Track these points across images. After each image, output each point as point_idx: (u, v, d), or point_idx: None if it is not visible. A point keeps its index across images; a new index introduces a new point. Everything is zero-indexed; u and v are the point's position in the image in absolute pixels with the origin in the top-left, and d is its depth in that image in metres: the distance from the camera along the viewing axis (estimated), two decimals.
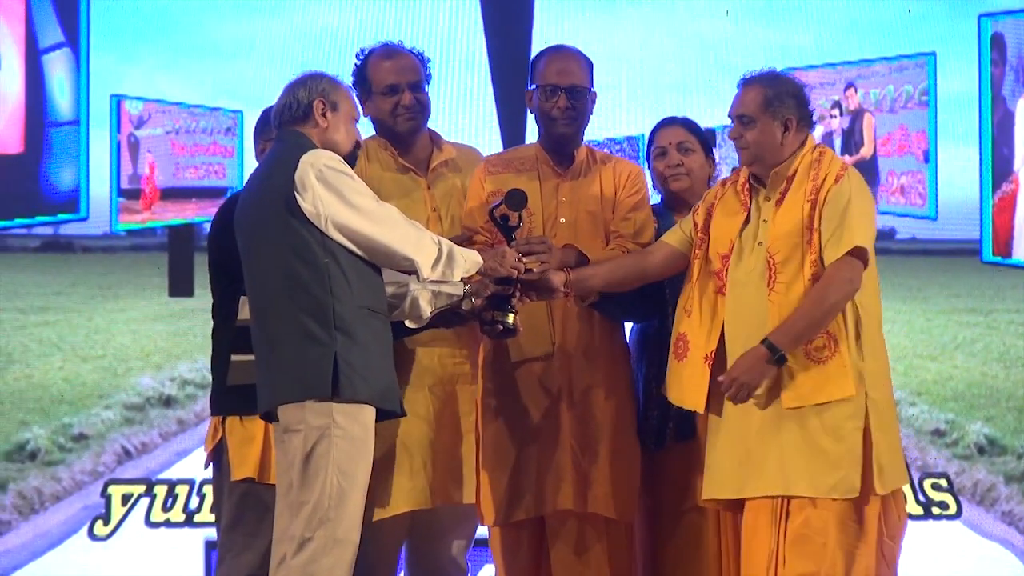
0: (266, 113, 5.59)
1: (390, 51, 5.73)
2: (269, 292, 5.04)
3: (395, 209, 5.14)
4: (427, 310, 5.26)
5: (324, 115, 5.12)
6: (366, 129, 5.69)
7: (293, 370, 4.99)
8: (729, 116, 5.29)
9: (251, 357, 5.22)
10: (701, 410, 5.24)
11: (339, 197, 4.98)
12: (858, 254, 5.09)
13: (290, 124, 5.15)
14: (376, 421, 5.09)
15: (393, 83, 5.67)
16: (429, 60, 5.77)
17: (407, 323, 5.34)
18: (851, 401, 5.09)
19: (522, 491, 5.56)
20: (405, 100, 5.66)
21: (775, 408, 5.14)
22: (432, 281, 5.16)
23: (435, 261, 5.08)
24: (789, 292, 5.13)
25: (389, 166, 5.71)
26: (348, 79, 5.57)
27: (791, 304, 5.11)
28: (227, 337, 5.45)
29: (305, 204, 4.97)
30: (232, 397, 5.44)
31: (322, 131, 5.12)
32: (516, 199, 5.33)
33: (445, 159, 5.78)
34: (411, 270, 5.09)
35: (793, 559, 5.06)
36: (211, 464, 5.63)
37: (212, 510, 7.70)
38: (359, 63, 5.72)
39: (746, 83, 5.26)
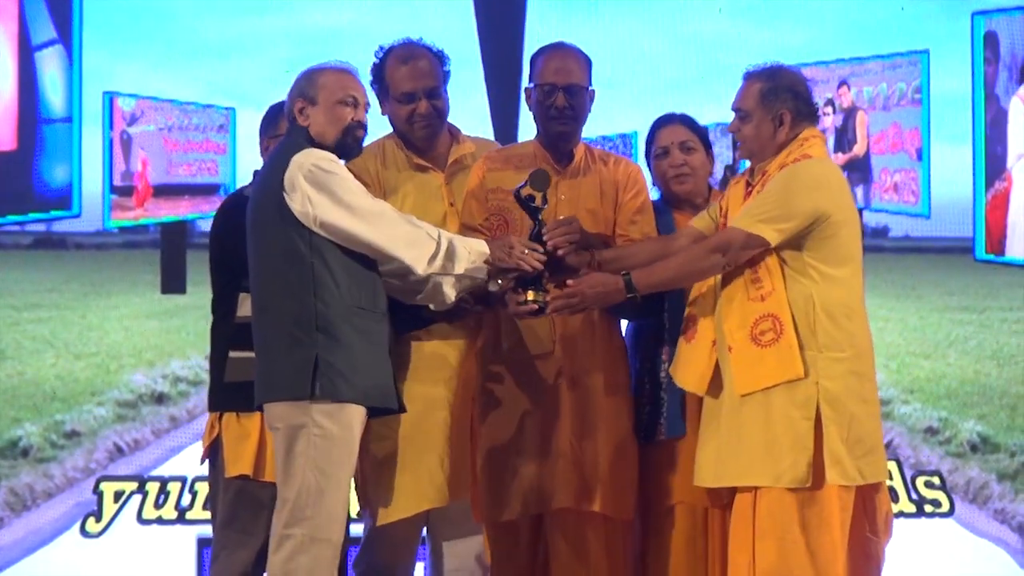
0: (271, 110, 5.59)
1: (407, 54, 5.60)
2: (262, 293, 5.06)
3: (388, 206, 5.12)
4: (451, 294, 5.20)
5: (303, 112, 5.12)
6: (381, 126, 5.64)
7: (275, 370, 5.01)
8: (731, 110, 5.32)
9: (249, 354, 5.21)
10: (702, 392, 5.26)
11: (330, 197, 4.98)
12: (742, 236, 5.10)
13: (289, 125, 5.18)
14: (371, 418, 5.10)
15: (409, 91, 5.59)
16: (448, 59, 5.69)
17: (432, 307, 5.30)
18: (800, 390, 5.09)
19: (521, 489, 5.53)
20: (421, 108, 5.58)
21: (733, 396, 5.17)
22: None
23: (431, 257, 5.06)
24: (728, 281, 5.21)
25: (405, 165, 5.67)
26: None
27: (728, 296, 5.19)
28: (226, 333, 5.44)
29: (294, 205, 4.97)
30: (229, 394, 5.42)
31: (309, 127, 5.12)
32: (540, 179, 5.31)
33: (464, 153, 5.74)
34: (404, 268, 5.08)
35: (760, 552, 5.09)
36: (208, 460, 5.62)
37: (206, 506, 7.72)
38: (378, 61, 5.66)
39: (747, 77, 5.27)
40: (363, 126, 5.18)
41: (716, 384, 5.23)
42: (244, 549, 5.44)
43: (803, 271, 5.11)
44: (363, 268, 5.05)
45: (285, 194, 4.96)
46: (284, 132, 5.28)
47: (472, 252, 5.12)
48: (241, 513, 5.45)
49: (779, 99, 5.18)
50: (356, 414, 4.99)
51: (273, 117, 5.52)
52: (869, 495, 5.21)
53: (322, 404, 4.93)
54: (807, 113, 5.23)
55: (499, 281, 5.23)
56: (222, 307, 5.46)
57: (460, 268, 5.09)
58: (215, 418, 5.51)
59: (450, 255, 5.07)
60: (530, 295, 5.23)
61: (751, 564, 5.10)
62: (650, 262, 5.33)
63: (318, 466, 4.93)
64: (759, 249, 5.09)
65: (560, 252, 5.27)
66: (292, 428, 4.94)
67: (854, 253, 5.21)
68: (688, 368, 5.29)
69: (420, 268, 5.04)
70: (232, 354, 5.39)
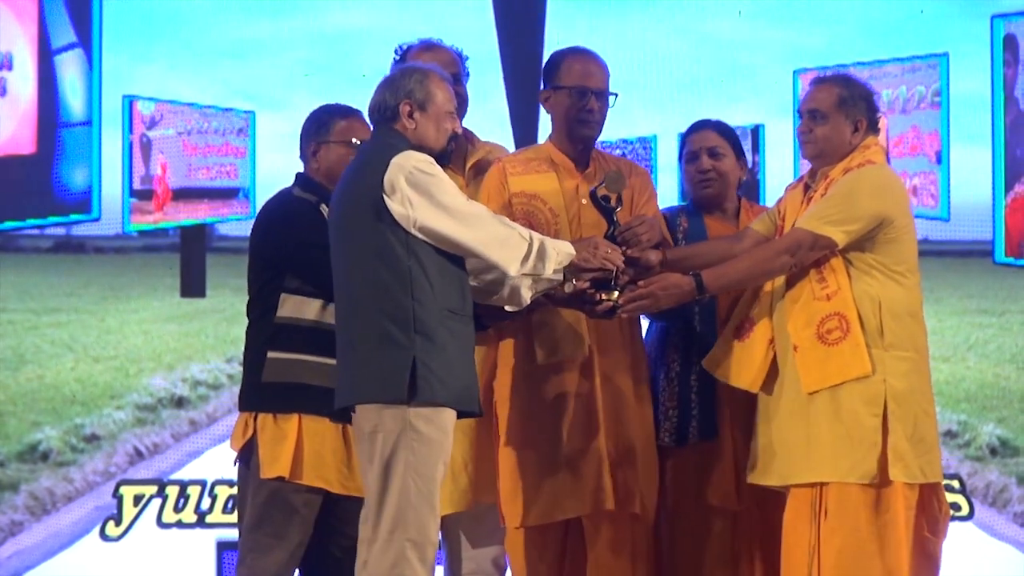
0: (321, 113, 5.54)
1: (428, 46, 5.73)
2: (354, 293, 5.04)
3: (483, 207, 5.13)
4: (527, 296, 5.20)
5: (411, 116, 5.12)
6: None
7: (372, 372, 4.98)
8: (799, 112, 5.42)
9: (289, 355, 5.26)
10: (756, 390, 5.36)
11: (429, 199, 4.97)
12: (810, 237, 5.20)
13: (382, 123, 5.16)
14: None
15: None
16: (467, 58, 5.76)
17: (507, 308, 5.30)
18: (868, 387, 5.19)
19: (561, 492, 5.51)
20: None
21: (798, 394, 5.25)
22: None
23: (523, 258, 5.05)
24: (792, 282, 5.30)
25: None
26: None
27: (793, 296, 5.29)
28: (264, 333, 5.40)
29: (394, 206, 4.97)
30: (266, 394, 5.38)
31: (412, 131, 5.12)
32: (616, 180, 5.37)
33: (481, 157, 5.76)
34: (495, 269, 5.07)
35: (826, 549, 5.16)
36: (239, 462, 5.57)
37: (226, 510, 7.74)
38: (398, 59, 5.71)
39: (820, 80, 5.41)
40: (456, 136, 5.24)
41: (768, 383, 5.33)
42: (273, 553, 5.37)
43: (867, 271, 5.24)
44: (455, 269, 5.05)
45: (384, 195, 4.96)
46: (344, 133, 5.37)
47: (560, 253, 5.14)
48: (273, 516, 5.38)
49: (856, 106, 5.34)
50: (449, 417, 5.00)
51: (324, 121, 5.49)
52: (928, 494, 5.31)
53: (419, 408, 4.93)
54: (872, 123, 5.39)
55: (574, 282, 5.24)
56: (261, 306, 5.42)
57: (549, 269, 5.10)
58: (249, 418, 5.43)
59: (541, 256, 5.08)
60: (603, 295, 5.26)
61: (813, 561, 5.18)
62: (717, 262, 5.41)
63: (417, 471, 4.92)
64: (827, 250, 5.22)
65: (634, 251, 5.30)
66: (390, 433, 4.92)
67: (914, 258, 5.34)
68: (742, 367, 5.38)
69: (513, 269, 5.05)
70: (271, 354, 5.37)
